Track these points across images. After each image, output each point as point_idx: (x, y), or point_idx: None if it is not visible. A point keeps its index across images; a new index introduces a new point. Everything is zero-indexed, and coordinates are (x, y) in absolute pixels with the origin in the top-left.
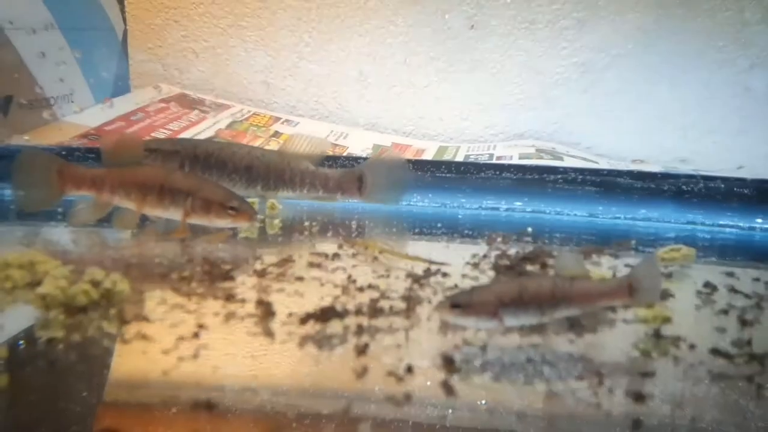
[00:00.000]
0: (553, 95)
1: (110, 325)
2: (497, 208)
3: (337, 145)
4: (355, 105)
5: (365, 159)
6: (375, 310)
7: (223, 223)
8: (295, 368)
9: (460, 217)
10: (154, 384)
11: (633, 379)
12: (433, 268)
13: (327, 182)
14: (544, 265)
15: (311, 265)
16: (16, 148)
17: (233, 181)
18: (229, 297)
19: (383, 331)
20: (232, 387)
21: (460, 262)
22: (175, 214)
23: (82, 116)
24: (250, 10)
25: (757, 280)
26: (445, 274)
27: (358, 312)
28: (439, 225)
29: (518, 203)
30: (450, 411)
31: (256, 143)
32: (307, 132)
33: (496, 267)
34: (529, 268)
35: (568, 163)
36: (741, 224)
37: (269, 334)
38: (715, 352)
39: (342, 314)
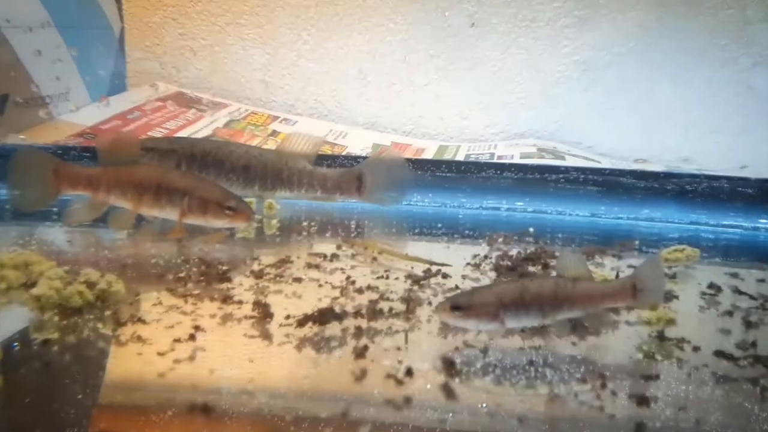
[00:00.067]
0: (554, 94)
1: (105, 326)
2: (498, 208)
3: (336, 144)
4: (355, 104)
5: (364, 158)
6: (374, 312)
7: (220, 223)
8: (293, 371)
9: (460, 217)
10: (149, 386)
11: (636, 382)
12: (434, 269)
13: (325, 182)
14: (545, 266)
15: (309, 266)
16: (12, 147)
17: (230, 180)
18: (226, 298)
19: (382, 333)
20: (229, 390)
21: (460, 263)
22: (171, 214)
23: (78, 115)
24: (248, 7)
25: (761, 281)
26: (445, 275)
27: (357, 314)
28: (439, 225)
29: (519, 203)
30: (450, 415)
31: (254, 142)
32: (305, 130)
33: (497, 268)
34: (531, 269)
35: (570, 162)
36: (745, 224)
37: (267, 336)
38: (720, 354)
39: (341, 316)
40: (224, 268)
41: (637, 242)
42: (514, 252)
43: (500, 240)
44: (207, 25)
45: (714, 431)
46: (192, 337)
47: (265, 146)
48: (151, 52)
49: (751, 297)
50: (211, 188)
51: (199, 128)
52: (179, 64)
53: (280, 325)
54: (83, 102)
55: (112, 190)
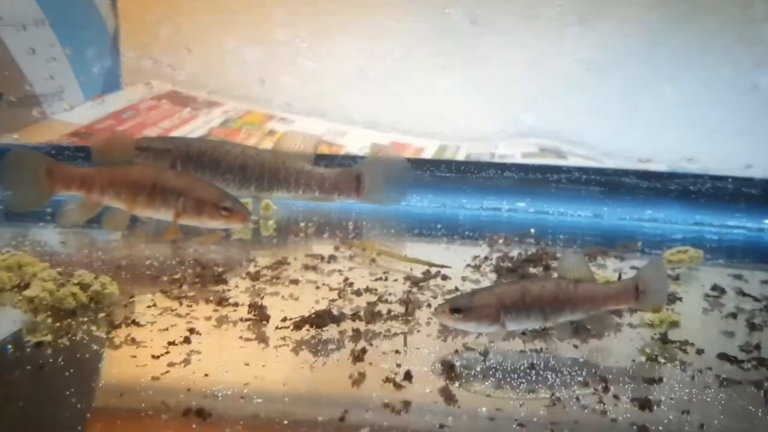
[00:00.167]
0: (557, 93)
1: (99, 328)
2: (499, 209)
3: (334, 143)
4: (353, 102)
5: (363, 158)
6: (372, 314)
7: (215, 224)
8: (290, 374)
9: (460, 217)
10: (143, 390)
11: (639, 385)
12: (433, 270)
13: (323, 182)
14: (547, 268)
15: (306, 267)
16: (5, 147)
17: (226, 180)
18: (222, 300)
19: (381, 335)
20: (225, 393)
21: (460, 265)
22: (166, 214)
23: (72, 114)
24: (244, 5)
25: (765, 282)
26: (444, 277)
27: (355, 316)
28: (439, 226)
29: (521, 203)
30: (450, 419)
31: (250, 142)
32: (302, 130)
33: (497, 269)
34: (532, 270)
35: (572, 162)
36: (749, 225)
37: (263, 339)
38: (723, 356)
39: (338, 318)
40: (220, 269)
41: (639, 243)
42: (514, 253)
43: (501, 241)
44: (202, 23)
45: None
46: (187, 340)
47: (261, 146)
48: (145, 50)
49: (755, 299)
50: (207, 188)
51: (195, 127)
52: (174, 62)
53: (277, 328)
54: (77, 101)
55: (106, 190)
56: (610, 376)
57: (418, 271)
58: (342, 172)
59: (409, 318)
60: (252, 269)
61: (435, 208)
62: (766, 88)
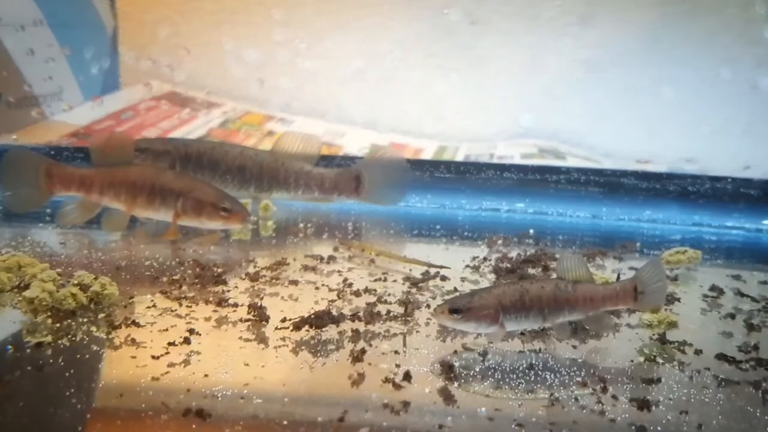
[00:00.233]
0: (556, 93)
1: (99, 329)
2: (498, 210)
3: (333, 144)
4: (352, 103)
5: (362, 158)
6: (371, 315)
7: (215, 224)
8: (289, 375)
9: (459, 218)
10: (143, 390)
11: (637, 386)
12: (432, 271)
13: (323, 182)
14: (546, 268)
15: (306, 268)
16: (4, 148)
17: (225, 181)
18: (221, 301)
19: (380, 336)
20: (224, 394)
21: (459, 265)
22: (165, 215)
23: (71, 115)
24: (243, 5)
25: (764, 283)
26: (444, 278)
27: (354, 317)
28: (438, 227)
29: (520, 204)
30: (449, 419)
31: (249, 142)
32: (302, 130)
33: (496, 270)
34: (531, 271)
35: (571, 162)
36: (748, 226)
37: (262, 339)
38: (722, 357)
39: (337, 319)
40: (219, 270)
41: (638, 244)
42: (513, 254)
43: (500, 242)
44: (201, 24)
45: None
46: (186, 341)
47: (260, 146)
48: (144, 51)
49: (754, 299)
50: (206, 189)
51: (194, 128)
52: (173, 63)
53: (276, 329)
54: (76, 101)
55: (105, 191)
56: (609, 377)
57: (417, 271)
58: (341, 172)
59: (409, 318)
60: (251, 270)
61: (434, 209)
62: (765, 89)
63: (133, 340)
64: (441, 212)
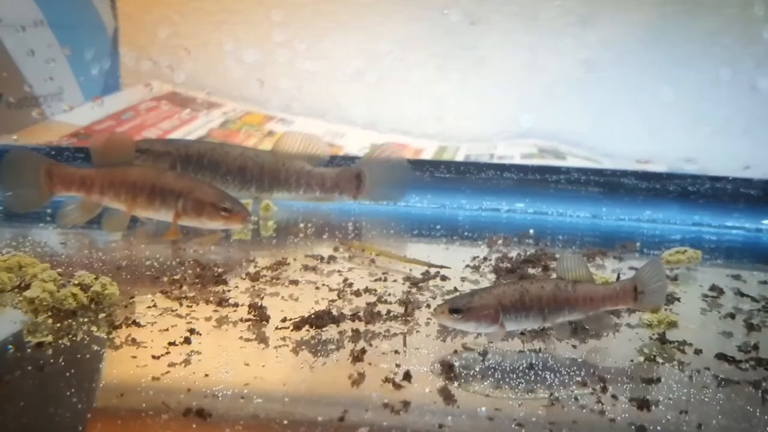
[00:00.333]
0: (556, 93)
1: (100, 329)
2: (498, 210)
3: (333, 144)
4: (352, 103)
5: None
6: (372, 315)
7: (215, 224)
8: (290, 375)
9: (459, 218)
10: (144, 390)
11: (637, 385)
12: (432, 271)
13: (324, 182)
14: (546, 268)
15: (306, 268)
16: (4, 148)
17: (226, 182)
18: (222, 301)
19: (380, 336)
20: (225, 394)
21: (459, 265)
22: (166, 215)
23: (71, 115)
24: (243, 6)
25: (764, 283)
26: (444, 278)
27: (355, 316)
28: (438, 227)
29: (520, 204)
30: (449, 419)
31: (249, 143)
32: (302, 130)
33: (496, 270)
34: (531, 271)
35: (571, 162)
36: (748, 226)
37: (263, 339)
38: (722, 357)
39: (338, 319)
40: (220, 270)
41: (638, 244)
42: (514, 254)
43: (500, 242)
44: (201, 24)
45: None
46: (187, 341)
47: (261, 147)
48: (145, 51)
49: (754, 299)
50: (207, 189)
51: (194, 128)
52: (173, 63)
53: (277, 328)
54: (77, 102)
55: (105, 191)
56: (609, 376)
57: (417, 271)
58: (342, 171)
59: (409, 318)
60: (252, 270)
61: (434, 209)
62: (765, 89)
63: (134, 340)
64: (441, 212)
